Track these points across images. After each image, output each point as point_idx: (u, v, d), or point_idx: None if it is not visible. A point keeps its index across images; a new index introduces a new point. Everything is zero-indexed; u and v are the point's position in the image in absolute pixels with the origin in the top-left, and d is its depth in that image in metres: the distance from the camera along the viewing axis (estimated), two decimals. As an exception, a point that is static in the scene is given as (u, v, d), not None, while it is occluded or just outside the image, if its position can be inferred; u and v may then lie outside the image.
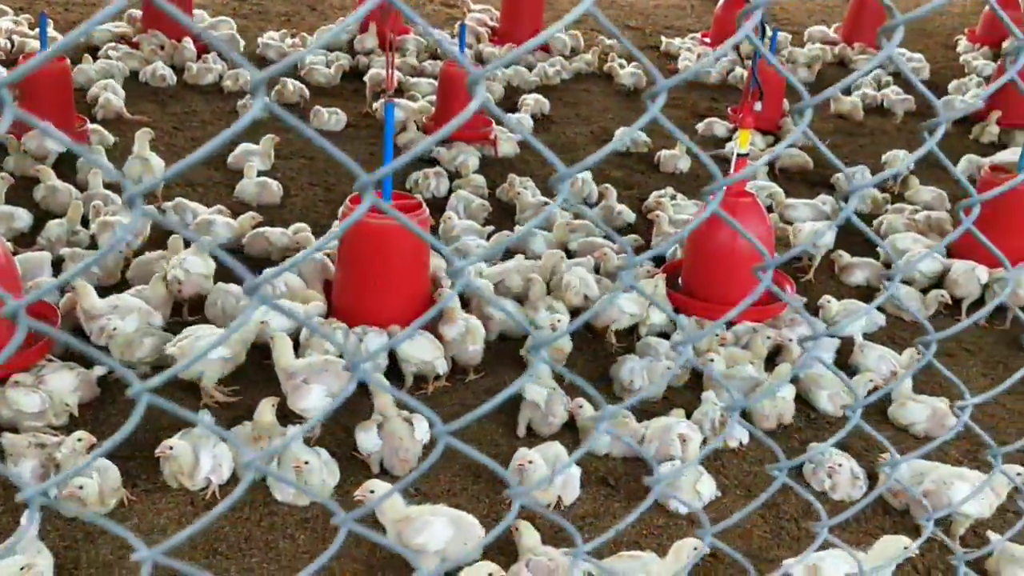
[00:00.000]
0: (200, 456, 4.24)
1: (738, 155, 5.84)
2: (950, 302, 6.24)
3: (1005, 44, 12.89)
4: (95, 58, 9.43)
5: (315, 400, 4.60)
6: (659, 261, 6.38)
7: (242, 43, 10.50)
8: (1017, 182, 2.33)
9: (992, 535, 4.25)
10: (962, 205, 2.17)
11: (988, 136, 9.73)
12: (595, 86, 10.50)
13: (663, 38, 12.33)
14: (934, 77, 11.97)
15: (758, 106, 6.09)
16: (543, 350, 1.61)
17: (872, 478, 4.66)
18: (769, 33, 9.88)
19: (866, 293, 6.52)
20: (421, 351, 4.91)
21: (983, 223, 6.95)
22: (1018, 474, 4.28)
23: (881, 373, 5.44)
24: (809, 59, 11.65)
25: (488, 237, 6.53)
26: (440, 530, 3.72)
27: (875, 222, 7.42)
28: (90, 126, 7.78)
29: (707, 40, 12.31)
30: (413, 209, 5.38)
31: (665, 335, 5.66)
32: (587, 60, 10.95)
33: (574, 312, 5.62)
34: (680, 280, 6.13)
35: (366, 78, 9.44)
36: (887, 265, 6.70)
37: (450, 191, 7.31)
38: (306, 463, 4.21)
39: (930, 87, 11.42)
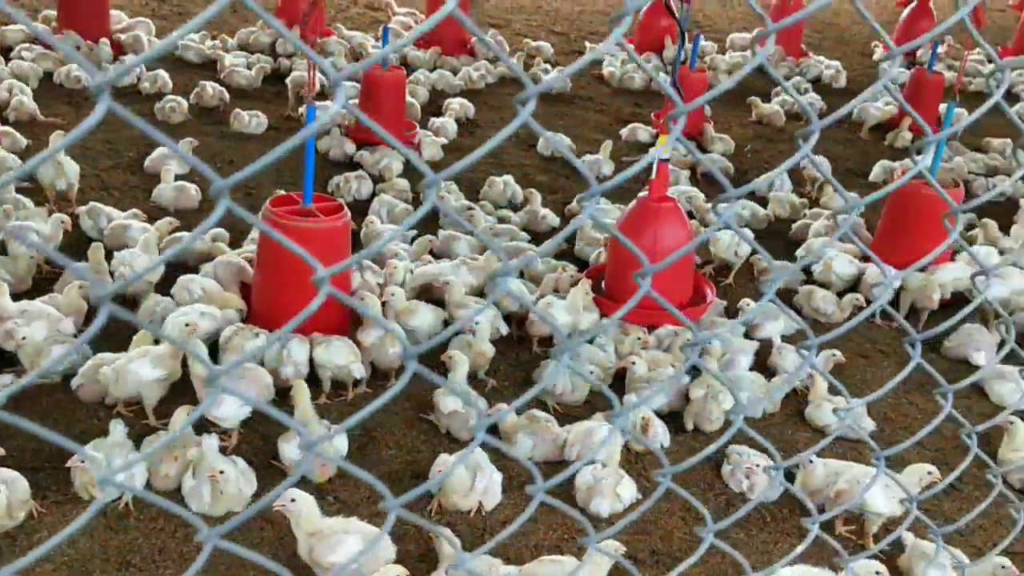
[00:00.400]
0: (113, 467, 4.13)
1: (659, 159, 5.90)
2: (864, 305, 6.38)
3: (919, 53, 13.26)
4: (7, 59, 9.16)
5: (230, 409, 4.52)
6: (582, 266, 6.41)
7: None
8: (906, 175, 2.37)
9: (906, 534, 4.35)
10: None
11: (902, 142, 9.98)
12: (520, 90, 10.50)
13: (587, 43, 12.41)
14: (851, 84, 12.26)
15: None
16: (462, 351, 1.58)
17: (789, 477, 4.73)
18: (689, 43, 10.02)
19: (785, 296, 6.62)
20: (337, 356, 4.85)
21: (897, 228, 7.10)
22: (928, 472, 4.38)
23: (798, 375, 5.53)
24: (731, 66, 11.84)
25: (412, 241, 6.50)
26: (353, 548, 3.66)
27: (793, 226, 7.55)
28: (2, 128, 7.55)
29: (631, 46, 12.41)
30: (334, 212, 5.32)
31: (591, 340, 5.68)
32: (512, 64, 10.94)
33: (506, 317, 5.64)
34: (604, 284, 6.16)
35: (288, 80, 9.33)
36: (806, 270, 6.81)
37: (373, 195, 7.25)
38: (222, 472, 4.13)
39: (847, 94, 11.69)
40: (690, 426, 5.09)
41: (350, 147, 8.11)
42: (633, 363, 5.12)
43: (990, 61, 13.87)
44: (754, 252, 6.88)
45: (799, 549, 2.34)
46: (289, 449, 4.37)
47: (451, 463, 4.22)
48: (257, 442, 4.61)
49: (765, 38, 1.51)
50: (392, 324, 5.11)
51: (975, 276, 2.44)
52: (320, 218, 5.18)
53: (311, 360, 4.93)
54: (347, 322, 5.29)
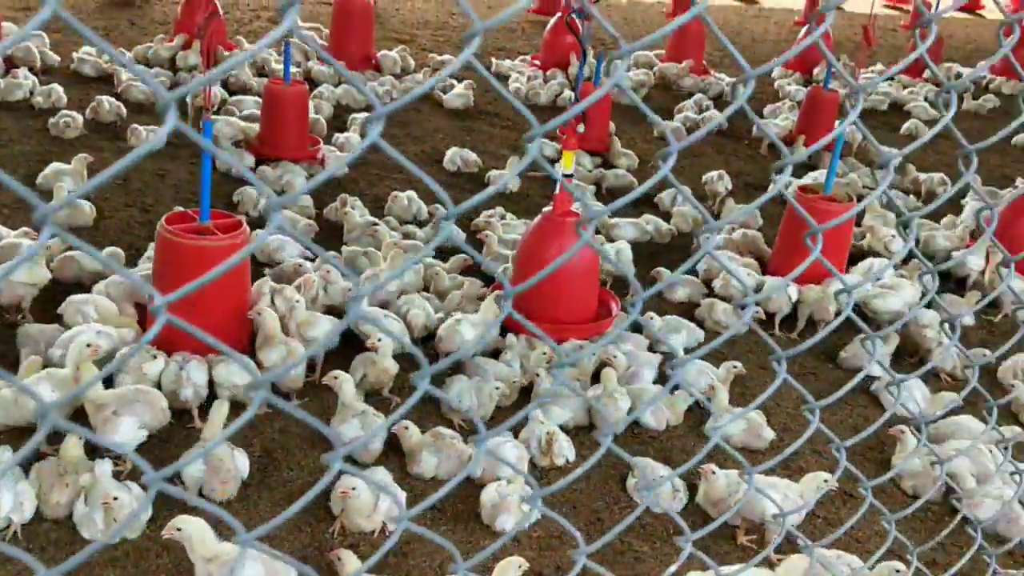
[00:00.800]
0: (1, 494, 3.96)
1: (563, 175, 5.93)
2: (764, 317, 6.51)
3: (816, 70, 13.65)
4: None
5: (126, 433, 4.39)
6: (488, 280, 6.40)
7: (57, 59, 9.99)
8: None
9: (802, 541, 4.43)
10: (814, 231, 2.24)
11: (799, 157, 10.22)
12: (425, 106, 10.49)
13: (494, 60, 12.46)
14: (750, 101, 12.53)
15: (581, 128, 6.21)
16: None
17: (691, 489, 4.79)
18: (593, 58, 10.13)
19: (688, 309, 6.72)
20: (237, 376, 4.75)
21: (794, 241, 7.25)
22: (825, 480, 4.48)
23: (700, 387, 5.61)
24: (635, 84, 12.01)
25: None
26: (252, 573, 3.58)
27: (696, 240, 7.67)
28: None
29: (537, 62, 12.50)
30: (233, 228, 5.22)
31: (495, 354, 5.67)
32: (418, 79, 10.94)
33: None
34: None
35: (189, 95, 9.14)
36: (707, 283, 6.93)
37: (276, 211, 7.12)
38: (116, 499, 4.00)
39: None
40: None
41: (250, 159, 7.98)
42: (497, 388, 5.10)
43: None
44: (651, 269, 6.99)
45: (671, 569, 2.36)
46: (194, 468, 4.26)
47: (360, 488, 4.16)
48: (156, 467, 4.46)
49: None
50: (293, 343, 5.02)
51: (838, 293, 2.50)
52: (218, 236, 5.07)
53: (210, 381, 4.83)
54: (247, 340, 5.18)
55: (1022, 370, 6.11)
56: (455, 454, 4.65)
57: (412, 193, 7.59)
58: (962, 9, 23.05)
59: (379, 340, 5.06)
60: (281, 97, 7.96)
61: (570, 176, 5.94)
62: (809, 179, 9.06)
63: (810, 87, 11.26)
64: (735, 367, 5.67)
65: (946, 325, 6.48)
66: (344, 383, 4.73)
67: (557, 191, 5.98)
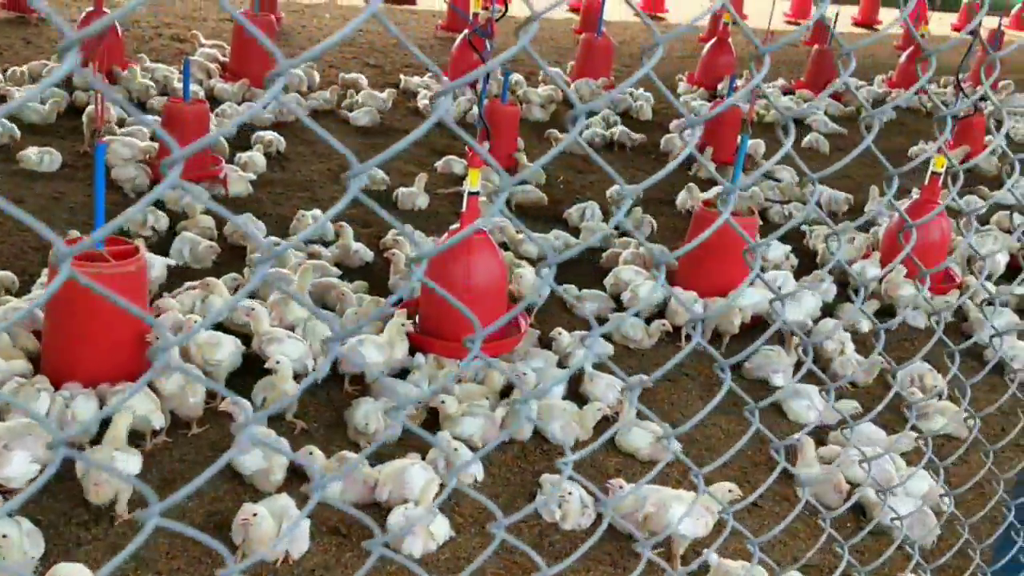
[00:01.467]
0: None
1: (469, 193, 5.92)
2: (671, 330, 6.57)
3: (720, 86, 13.91)
4: None
5: (18, 467, 4.23)
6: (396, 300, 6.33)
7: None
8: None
9: (713, 555, 4.47)
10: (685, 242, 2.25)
11: (706, 172, 10.41)
12: (333, 123, 10.39)
13: (402, 76, 12.42)
14: (657, 116, 12.72)
15: (486, 145, 6.21)
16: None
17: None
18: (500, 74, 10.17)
19: (597, 324, 6.74)
20: (136, 405, 4.60)
21: (700, 255, 7.36)
22: (729, 491, 4.53)
23: (608, 401, 5.64)
24: (543, 99, 12.08)
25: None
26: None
27: (604, 255, 7.73)
28: None
29: (445, 79, 12.47)
30: (128, 255, 5.07)
31: (403, 375, 5.61)
32: (325, 97, 10.82)
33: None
34: (417, 319, 6.11)
35: (85, 115, 8.88)
36: (615, 297, 6.97)
37: (174, 233, 6.94)
38: (4, 536, 3.83)
39: (654, 126, 12.11)
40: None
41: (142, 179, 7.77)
42: (443, 402, 5.06)
43: (785, 93, 14.72)
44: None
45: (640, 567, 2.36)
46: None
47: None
48: (45, 500, 4.31)
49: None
50: (192, 369, 4.88)
51: (772, 302, 2.54)
52: (111, 262, 4.92)
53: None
54: (143, 368, 5.03)
55: (919, 376, 6.28)
56: (360, 478, 4.58)
57: (317, 211, 7.50)
58: (859, 24, 23.80)
59: (278, 362, 4.96)
60: (180, 116, 7.79)
61: (476, 194, 5.92)
62: (713, 193, 9.21)
63: (714, 102, 11.46)
64: (643, 380, 5.71)
65: (847, 334, 6.67)
66: (244, 411, 4.62)
67: (464, 208, 5.95)
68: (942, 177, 7.92)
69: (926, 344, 3.22)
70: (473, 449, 4.99)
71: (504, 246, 7.50)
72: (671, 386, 6.16)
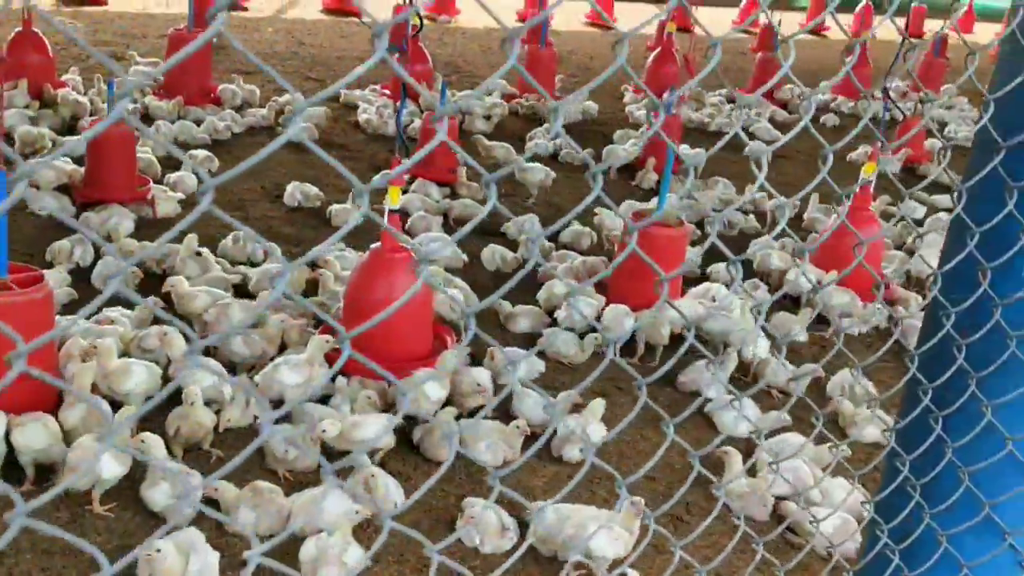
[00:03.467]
0: None
1: (389, 211, 5.82)
2: (605, 345, 6.51)
3: (665, 95, 13.92)
4: None
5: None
6: (318, 320, 6.22)
7: None
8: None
9: (631, 572, 4.40)
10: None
11: (648, 182, 10.39)
12: (269, 140, 10.23)
13: (343, 90, 12.30)
14: (602, 127, 12.70)
15: (405, 160, 6.11)
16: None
17: (523, 527, 4.71)
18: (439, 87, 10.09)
19: (531, 340, 6.68)
20: (35, 439, 4.45)
21: (631, 268, 7.29)
22: (632, 503, 4.45)
23: (537, 418, 5.56)
24: (487, 110, 12.02)
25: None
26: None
27: (541, 268, 7.66)
28: None
29: (387, 92, 12.40)
30: (33, 283, 4.92)
31: (324, 400, 5.50)
32: (262, 114, 10.69)
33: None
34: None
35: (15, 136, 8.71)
36: (549, 312, 6.90)
37: (98, 258, 6.78)
38: None
39: (599, 136, 12.08)
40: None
41: (52, 204, 7.55)
42: (324, 431, 4.94)
43: (730, 101, 14.78)
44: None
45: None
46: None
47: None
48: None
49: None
50: (98, 400, 4.74)
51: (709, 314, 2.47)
52: (15, 291, 4.77)
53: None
54: (55, 401, 4.87)
55: (849, 385, 6.26)
56: (274, 509, 4.46)
57: (248, 230, 7.34)
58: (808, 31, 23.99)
59: (195, 397, 4.84)
60: (105, 136, 7.63)
61: (396, 211, 5.83)
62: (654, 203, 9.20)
63: (654, 112, 11.43)
64: (571, 395, 5.66)
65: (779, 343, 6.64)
66: (153, 447, 4.49)
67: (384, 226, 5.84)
68: (873, 184, 7.93)
69: (862, 352, 3.16)
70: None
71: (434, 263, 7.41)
72: (604, 400, 6.08)
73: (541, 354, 6.43)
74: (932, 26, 23.46)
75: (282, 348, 5.76)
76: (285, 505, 4.48)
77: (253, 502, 4.46)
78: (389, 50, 4.61)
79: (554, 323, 6.80)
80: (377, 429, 4.89)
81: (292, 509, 4.45)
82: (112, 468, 4.39)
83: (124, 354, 5.31)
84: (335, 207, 8.30)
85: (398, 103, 11.38)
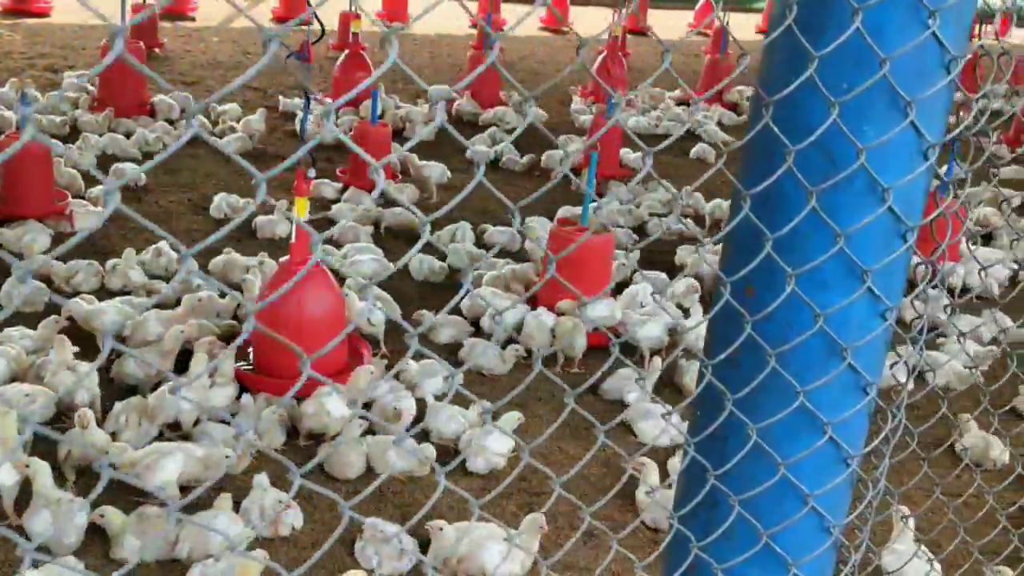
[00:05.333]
0: None
1: (297, 223, 5.68)
2: (525, 355, 6.39)
3: (615, 98, 13.85)
4: None
5: None
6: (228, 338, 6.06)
7: None
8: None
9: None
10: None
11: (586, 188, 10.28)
12: (202, 150, 10.07)
13: (281, 98, 12.16)
14: (549, 131, 12.58)
15: (312, 172, 5.98)
16: None
17: (424, 547, 4.57)
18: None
19: (455, 350, 6.55)
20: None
21: (563, 276, 7.16)
22: (540, 527, 4.33)
23: (451, 433, 5.43)
24: (427, 117, 11.88)
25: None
26: None
27: (470, 276, 7.52)
28: None
29: (327, 100, 12.24)
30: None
31: (227, 420, 5.34)
32: (197, 123, 10.48)
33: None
34: (251, 357, 5.84)
35: (-69, 152, 8.49)
36: (473, 323, 6.78)
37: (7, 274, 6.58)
38: None
39: (544, 141, 11.97)
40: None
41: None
42: (227, 456, 4.78)
43: (679, 104, 14.70)
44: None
45: None
46: None
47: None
48: None
49: None
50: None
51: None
52: None
53: None
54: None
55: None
56: (161, 535, 4.30)
57: (164, 244, 7.18)
58: (764, 32, 24.05)
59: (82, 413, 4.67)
60: (20, 152, 7.43)
61: (307, 222, 5.69)
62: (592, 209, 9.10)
63: (594, 115, 11.36)
64: (484, 405, 5.55)
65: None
66: (39, 473, 4.32)
67: (294, 239, 5.71)
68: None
69: None
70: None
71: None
72: (521, 410, 5.96)
73: (460, 364, 6.30)
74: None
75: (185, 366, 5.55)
76: (172, 530, 4.32)
77: (140, 529, 4.30)
78: (292, 57, 4.42)
79: (479, 332, 6.67)
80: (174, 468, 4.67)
81: (179, 535, 4.29)
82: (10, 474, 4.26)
83: (14, 379, 5.15)
84: (260, 218, 8.13)
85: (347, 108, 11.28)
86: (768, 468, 1.64)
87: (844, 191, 1.54)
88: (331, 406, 5.14)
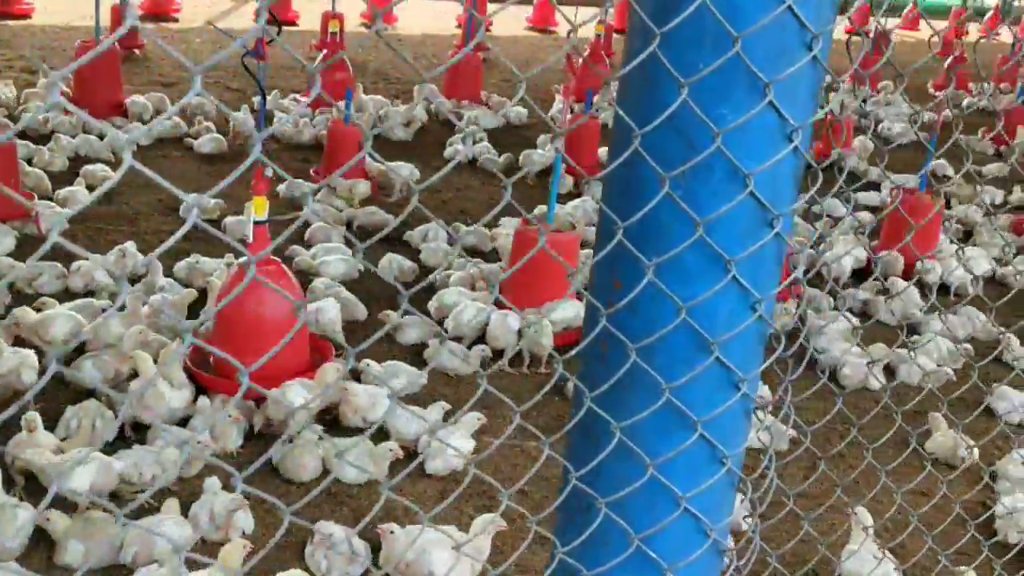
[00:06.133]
0: None
1: (255, 223, 5.61)
2: (491, 355, 6.31)
3: (596, 98, 13.77)
4: None
5: None
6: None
7: None
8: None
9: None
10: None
11: (564, 186, 10.20)
12: (176, 151, 10.00)
13: (255, 98, 12.06)
14: (530, 131, 12.52)
15: (269, 171, 5.91)
16: None
17: (376, 551, 4.51)
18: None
19: (421, 351, 6.48)
20: None
21: (524, 273, 7.11)
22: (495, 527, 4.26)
23: (411, 433, 5.36)
24: (407, 118, 11.82)
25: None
26: None
27: (439, 276, 7.45)
28: None
29: (304, 99, 12.17)
30: None
31: (184, 422, 5.28)
32: (171, 124, 10.42)
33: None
34: (210, 359, 5.77)
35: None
36: (440, 322, 6.71)
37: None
38: None
39: (522, 141, 11.90)
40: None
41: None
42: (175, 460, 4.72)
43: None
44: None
45: None
46: None
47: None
48: None
49: None
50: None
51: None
52: None
53: None
54: None
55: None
56: (106, 540, 4.23)
57: (130, 245, 7.11)
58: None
59: (28, 418, 4.60)
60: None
61: (262, 223, 5.62)
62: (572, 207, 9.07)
63: (573, 115, 11.27)
64: (445, 407, 5.52)
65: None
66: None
67: (251, 239, 5.63)
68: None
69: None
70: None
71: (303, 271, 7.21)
72: (488, 413, 5.89)
73: (425, 364, 6.24)
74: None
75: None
76: (118, 535, 4.25)
77: (84, 532, 4.23)
78: (248, 55, 4.32)
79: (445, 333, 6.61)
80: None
81: (125, 539, 4.22)
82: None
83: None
84: (229, 219, 8.06)
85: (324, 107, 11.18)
86: (639, 468, 1.57)
87: (704, 178, 1.48)
88: (292, 395, 5.10)
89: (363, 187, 9.00)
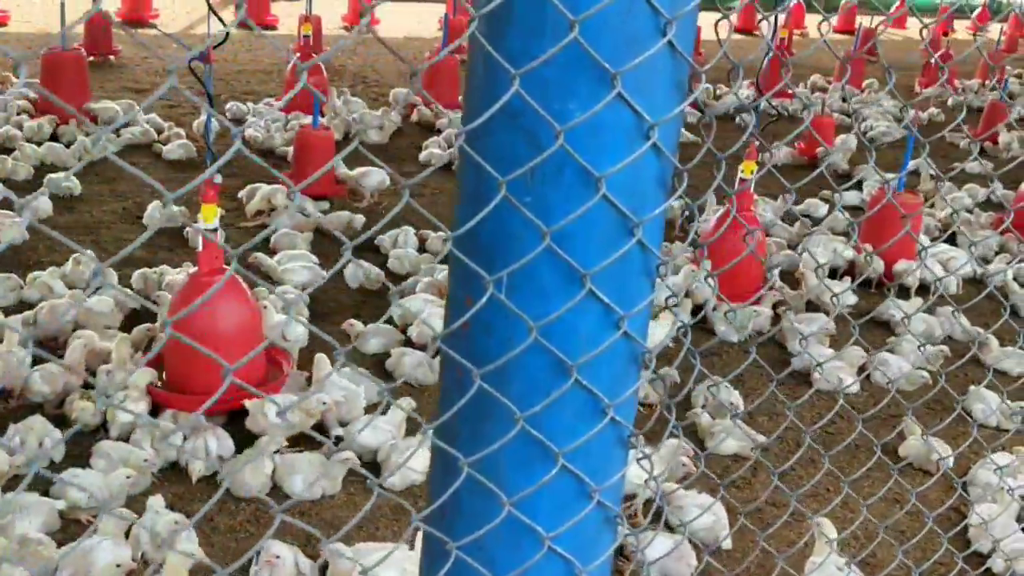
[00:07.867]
0: None
1: (207, 231, 5.44)
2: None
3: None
4: None
5: None
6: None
7: None
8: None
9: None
10: None
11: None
12: (145, 158, 9.83)
13: (236, 104, 11.93)
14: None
15: (219, 179, 5.75)
16: None
17: (324, 570, 4.35)
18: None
19: (385, 359, 6.33)
20: None
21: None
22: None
23: (373, 443, 5.22)
24: (379, 121, 11.65)
25: None
26: None
27: (410, 281, 7.29)
28: None
29: (275, 103, 12.02)
30: None
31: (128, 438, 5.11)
32: (140, 131, 10.25)
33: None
34: (164, 375, 5.59)
35: None
36: (404, 330, 6.55)
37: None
38: None
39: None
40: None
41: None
42: (128, 477, 4.56)
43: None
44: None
45: None
46: None
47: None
48: None
49: None
50: None
51: None
52: None
53: None
54: None
55: (711, 393, 5.95)
56: (43, 563, 4.07)
57: (91, 252, 6.92)
58: (738, 31, 23.90)
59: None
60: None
61: (214, 230, 5.45)
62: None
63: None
64: (410, 407, 5.40)
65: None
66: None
67: (200, 248, 5.46)
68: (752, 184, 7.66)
69: (736, 359, 2.85)
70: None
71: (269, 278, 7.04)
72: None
73: (389, 375, 6.09)
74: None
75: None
76: (54, 559, 4.09)
77: (19, 555, 4.07)
78: (194, 59, 4.14)
79: (409, 342, 6.45)
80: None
81: (60, 562, 4.06)
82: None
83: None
84: (191, 227, 7.89)
85: (297, 112, 11.01)
86: (497, 506, 1.42)
87: (554, 182, 1.32)
88: (269, 409, 4.96)
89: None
